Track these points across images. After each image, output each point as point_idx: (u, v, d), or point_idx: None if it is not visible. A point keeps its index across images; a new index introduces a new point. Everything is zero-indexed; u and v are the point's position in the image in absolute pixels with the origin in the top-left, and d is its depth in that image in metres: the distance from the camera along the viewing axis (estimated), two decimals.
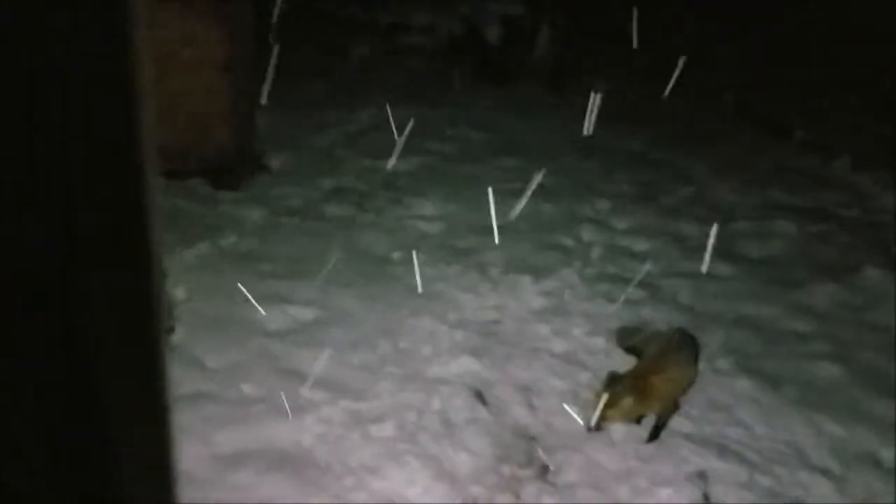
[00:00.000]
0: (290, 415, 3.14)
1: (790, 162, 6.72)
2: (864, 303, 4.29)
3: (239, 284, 4.06)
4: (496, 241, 4.81)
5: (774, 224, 5.31)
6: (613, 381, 3.07)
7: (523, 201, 5.42)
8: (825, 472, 3.05)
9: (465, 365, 3.58)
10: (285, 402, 3.22)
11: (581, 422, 3.13)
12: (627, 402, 3.00)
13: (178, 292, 3.94)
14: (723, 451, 3.11)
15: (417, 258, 4.63)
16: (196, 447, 2.94)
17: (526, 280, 4.35)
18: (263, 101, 5.91)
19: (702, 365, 3.59)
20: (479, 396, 3.37)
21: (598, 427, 3.05)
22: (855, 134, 6.96)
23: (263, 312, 3.84)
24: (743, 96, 8.20)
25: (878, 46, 7.88)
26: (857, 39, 8.24)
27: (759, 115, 7.81)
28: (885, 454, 3.16)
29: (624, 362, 3.63)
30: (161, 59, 4.90)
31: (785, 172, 6.41)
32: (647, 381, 3.07)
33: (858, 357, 3.78)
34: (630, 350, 3.65)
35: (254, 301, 3.90)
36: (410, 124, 7.28)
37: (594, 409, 3.08)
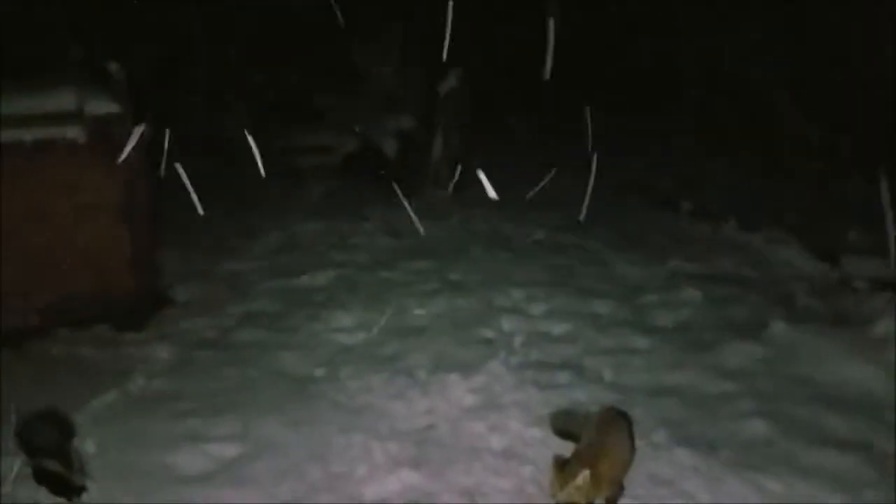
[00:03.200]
0: None
1: (683, 231, 7.11)
2: (778, 356, 4.45)
3: (151, 430, 3.81)
4: (419, 343, 4.76)
5: (681, 292, 5.52)
6: (563, 466, 2.98)
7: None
8: None
9: (404, 479, 3.41)
10: None
11: None
12: (584, 479, 2.90)
13: (87, 446, 3.64)
14: None
15: (340, 372, 4.50)
16: None
17: (454, 378, 4.27)
18: (163, 237, 5.79)
19: (638, 441, 3.58)
20: None
21: None
22: (736, 197, 7.48)
23: (180, 456, 3.59)
24: (627, 173, 8.71)
25: (743, 108, 8.62)
26: (718, 103, 8.99)
27: (646, 190, 8.31)
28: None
29: (564, 449, 3.56)
30: (54, 206, 4.75)
31: (679, 242, 6.75)
32: (595, 468, 2.99)
33: (784, 410, 3.88)
34: (564, 435, 3.60)
35: (168, 446, 3.65)
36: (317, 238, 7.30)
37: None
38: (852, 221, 6.46)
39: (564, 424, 3.64)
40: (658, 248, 6.56)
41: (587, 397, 4.08)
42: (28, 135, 4.62)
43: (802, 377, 4.20)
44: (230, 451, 3.68)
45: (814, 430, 3.69)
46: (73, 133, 4.75)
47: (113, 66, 5.08)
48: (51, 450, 3.28)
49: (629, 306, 5.39)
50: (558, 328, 5.04)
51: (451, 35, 3.04)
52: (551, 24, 3.32)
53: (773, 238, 6.53)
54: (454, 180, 8.83)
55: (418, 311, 5.34)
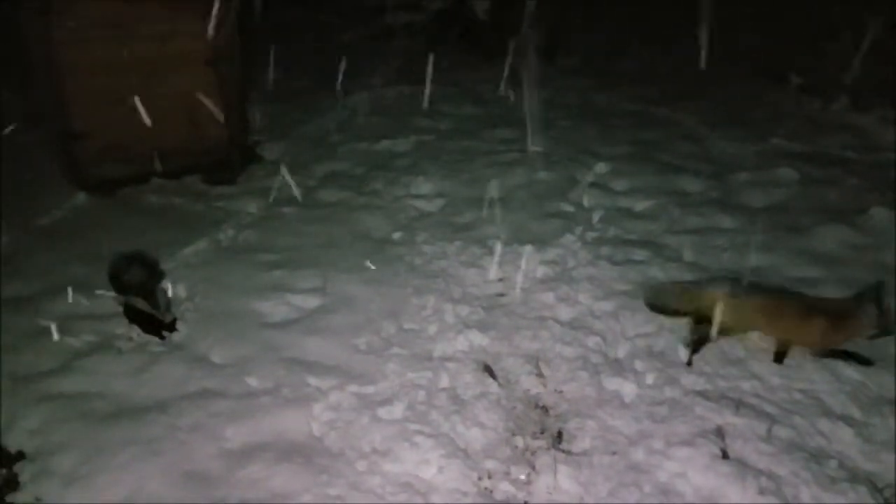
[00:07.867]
0: (297, 404, 3.11)
1: (788, 108, 6.61)
2: (874, 243, 4.20)
3: (239, 278, 4.04)
4: (496, 213, 4.76)
5: (776, 172, 5.22)
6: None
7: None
8: (846, 420, 2.99)
9: (472, 340, 3.53)
10: (292, 392, 3.19)
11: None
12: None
13: (179, 290, 3.92)
14: (739, 405, 3.05)
15: (417, 236, 4.59)
16: (206, 444, 2.92)
17: (528, 250, 4.28)
18: (254, 92, 5.88)
19: None
20: (488, 370, 3.33)
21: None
22: (851, 75, 6.81)
23: (265, 304, 3.82)
24: (736, 47, 8.02)
25: None
26: None
27: (753, 63, 7.67)
28: None
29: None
30: (146, 56, 4.84)
31: (784, 119, 6.30)
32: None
33: None
34: (656, 308, 3.58)
35: (255, 293, 3.88)
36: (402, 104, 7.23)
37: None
38: None
39: (657, 298, 3.61)
40: (758, 125, 6.16)
41: (663, 275, 4.01)
42: None
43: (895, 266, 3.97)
44: (311, 302, 3.89)
45: None
46: None
47: None
48: (138, 289, 3.53)
49: (719, 184, 5.16)
50: (641, 204, 4.90)
51: None
52: None
53: (885, 119, 5.98)
54: (546, 46, 8.42)
55: (498, 182, 5.29)
